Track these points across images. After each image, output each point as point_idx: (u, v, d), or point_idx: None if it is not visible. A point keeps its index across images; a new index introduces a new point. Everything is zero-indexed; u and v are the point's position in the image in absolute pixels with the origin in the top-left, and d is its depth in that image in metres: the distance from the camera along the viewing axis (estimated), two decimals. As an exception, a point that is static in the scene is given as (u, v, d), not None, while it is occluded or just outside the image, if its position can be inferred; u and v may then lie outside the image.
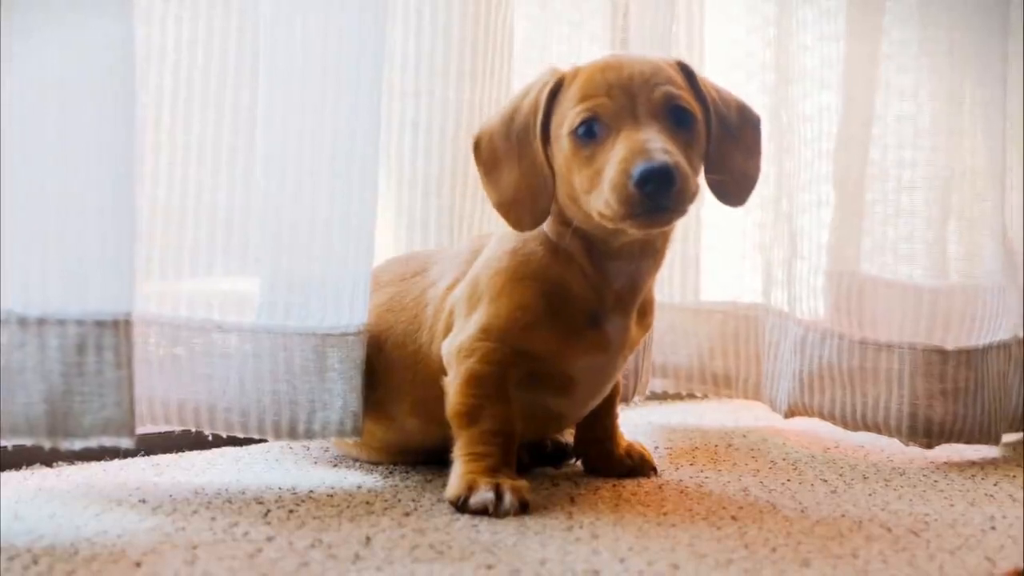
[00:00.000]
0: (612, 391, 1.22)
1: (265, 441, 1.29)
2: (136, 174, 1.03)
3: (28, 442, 0.97)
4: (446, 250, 1.26)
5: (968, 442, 1.38)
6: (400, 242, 1.37)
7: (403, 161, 1.36)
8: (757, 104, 1.53)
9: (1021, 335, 1.47)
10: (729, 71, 1.61)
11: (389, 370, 1.16)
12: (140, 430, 1.24)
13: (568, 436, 1.28)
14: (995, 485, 1.23)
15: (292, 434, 1.14)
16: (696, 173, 1.05)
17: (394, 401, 1.17)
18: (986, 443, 1.39)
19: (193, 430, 1.15)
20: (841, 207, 1.45)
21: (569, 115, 1.05)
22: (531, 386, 1.11)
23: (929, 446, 1.38)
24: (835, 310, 1.43)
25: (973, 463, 1.35)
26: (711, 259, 1.63)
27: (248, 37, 1.15)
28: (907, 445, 1.39)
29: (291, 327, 1.13)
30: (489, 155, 1.11)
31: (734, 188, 1.12)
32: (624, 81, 1.04)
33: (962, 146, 1.44)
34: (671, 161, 0.98)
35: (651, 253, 1.11)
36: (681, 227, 1.58)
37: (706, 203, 1.61)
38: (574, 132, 1.04)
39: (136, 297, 1.09)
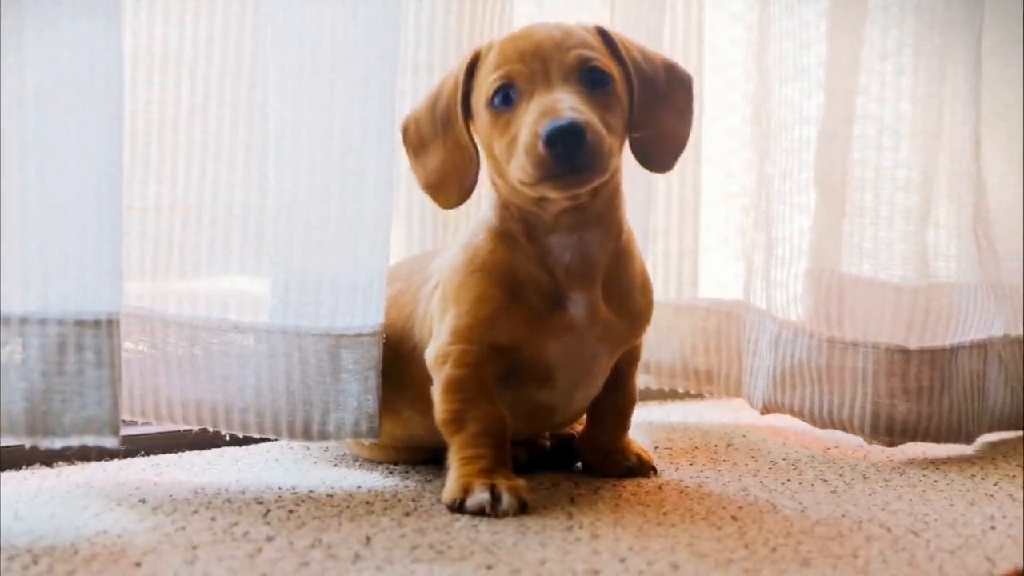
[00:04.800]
0: (624, 398, 1.21)
1: (267, 441, 1.29)
2: (125, 174, 1.03)
3: (9, 440, 0.98)
4: (445, 248, 1.26)
5: (935, 441, 1.38)
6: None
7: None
8: (752, 103, 1.55)
9: (1016, 334, 1.47)
10: (726, 68, 1.61)
11: (393, 363, 1.17)
12: (142, 430, 1.25)
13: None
14: (995, 485, 1.23)
15: (307, 435, 1.14)
16: (615, 134, 1.05)
17: (397, 393, 1.17)
18: (956, 442, 1.39)
19: (196, 429, 1.16)
20: (823, 206, 1.45)
21: (484, 85, 1.06)
22: (513, 381, 1.11)
23: (892, 444, 1.38)
24: (808, 308, 1.43)
25: (973, 463, 1.35)
26: (700, 257, 1.63)
27: (262, 35, 1.16)
28: (869, 443, 1.40)
29: (305, 327, 1.13)
30: (416, 139, 1.13)
31: (661, 150, 1.12)
32: (536, 47, 1.05)
33: (937, 145, 1.44)
34: (579, 118, 0.99)
35: (594, 223, 1.10)
36: (672, 224, 1.60)
37: (703, 203, 1.63)
38: (490, 102, 1.05)
39: (156, 297, 1.11)
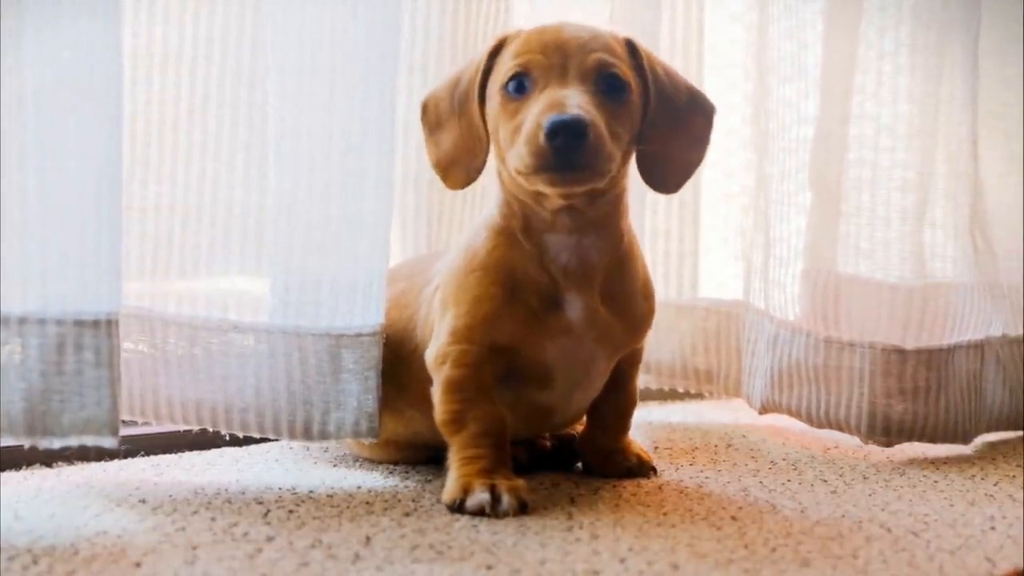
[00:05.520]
0: (625, 399, 1.21)
1: (267, 441, 1.29)
2: (125, 174, 1.04)
3: (8, 441, 0.98)
4: (448, 250, 1.26)
5: (932, 441, 1.38)
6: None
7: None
8: (752, 103, 1.55)
9: (1015, 334, 1.47)
10: (726, 68, 1.61)
11: (395, 364, 1.17)
12: (142, 430, 1.25)
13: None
14: (995, 485, 1.23)
15: (307, 435, 1.14)
16: (620, 142, 1.06)
17: (399, 393, 1.17)
18: (953, 443, 1.39)
19: (197, 428, 1.16)
20: (818, 206, 1.45)
21: (502, 70, 1.07)
22: (512, 382, 1.11)
23: (888, 444, 1.38)
24: (805, 308, 1.44)
25: (973, 463, 1.35)
26: (700, 257, 1.63)
27: (262, 35, 1.16)
28: (866, 443, 1.40)
29: (305, 327, 1.13)
30: (434, 118, 1.14)
31: (668, 171, 1.13)
32: (560, 42, 1.06)
33: (934, 145, 1.44)
34: (584, 116, 0.99)
35: (593, 228, 1.10)
36: (672, 224, 1.60)
37: (702, 203, 1.63)
38: (504, 87, 1.06)
39: (155, 297, 1.11)
